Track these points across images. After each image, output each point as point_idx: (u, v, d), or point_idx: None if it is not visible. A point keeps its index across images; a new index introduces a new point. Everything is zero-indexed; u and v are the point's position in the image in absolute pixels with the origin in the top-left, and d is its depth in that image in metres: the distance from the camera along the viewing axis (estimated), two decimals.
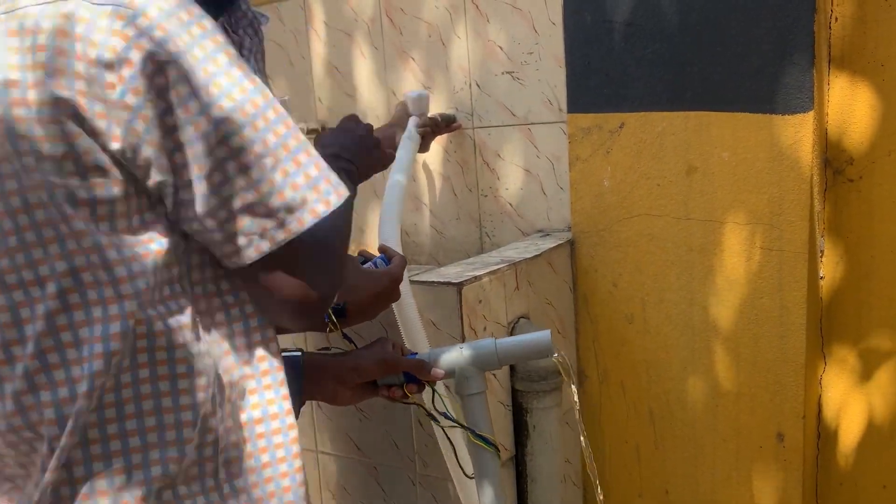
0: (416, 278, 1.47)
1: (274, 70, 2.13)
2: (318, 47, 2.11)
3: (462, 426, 1.13)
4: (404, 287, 1.36)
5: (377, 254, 1.27)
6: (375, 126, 1.88)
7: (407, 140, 1.68)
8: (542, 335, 1.12)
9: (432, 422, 1.18)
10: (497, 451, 1.13)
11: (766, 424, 1.59)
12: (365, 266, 1.21)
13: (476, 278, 1.45)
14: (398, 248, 1.42)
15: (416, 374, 1.11)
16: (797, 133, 1.47)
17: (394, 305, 1.40)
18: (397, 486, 1.60)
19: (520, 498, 1.59)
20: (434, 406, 1.16)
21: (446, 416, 1.14)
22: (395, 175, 1.59)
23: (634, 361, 1.72)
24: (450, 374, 1.13)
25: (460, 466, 1.29)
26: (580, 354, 1.80)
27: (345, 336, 1.22)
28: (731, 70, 1.50)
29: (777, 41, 1.45)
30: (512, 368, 1.55)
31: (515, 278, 1.56)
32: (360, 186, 2.14)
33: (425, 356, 1.14)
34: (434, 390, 1.14)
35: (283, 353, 1.02)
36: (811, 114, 1.45)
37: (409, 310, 1.39)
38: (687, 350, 1.65)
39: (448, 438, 1.30)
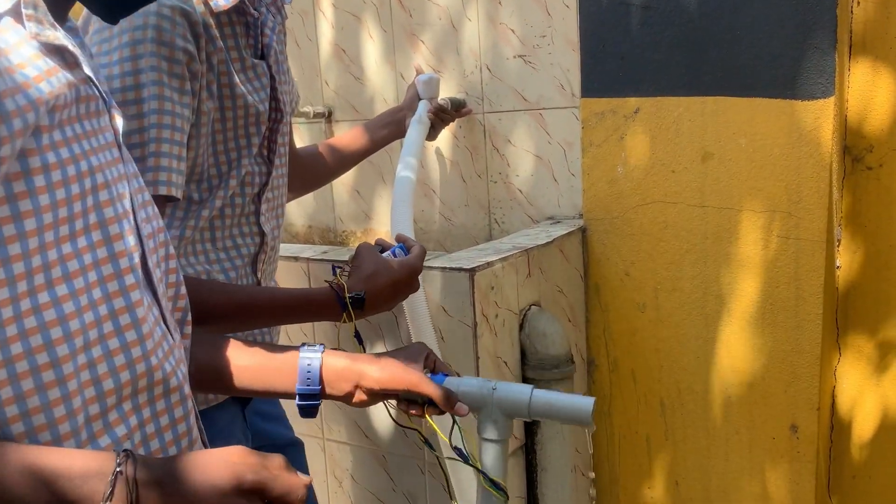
0: (426, 263, 1.44)
1: None
2: (326, 29, 2.07)
3: (475, 468, 1.03)
4: (419, 298, 1.34)
5: (394, 243, 1.23)
6: (384, 109, 1.86)
7: (416, 123, 1.65)
8: (585, 402, 0.98)
9: (428, 448, 1.11)
10: (506, 499, 1.03)
11: (779, 416, 1.57)
12: (383, 255, 1.17)
13: (488, 264, 1.42)
14: (412, 236, 1.39)
15: (440, 405, 1.00)
16: (817, 119, 1.44)
17: (407, 314, 1.38)
18: (405, 475, 1.58)
19: (529, 487, 1.57)
20: (450, 439, 1.04)
21: (460, 453, 1.02)
22: (404, 160, 1.56)
23: (646, 351, 1.70)
24: (473, 410, 1.02)
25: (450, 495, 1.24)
26: (590, 343, 1.78)
27: (356, 335, 1.19)
28: (751, 54, 1.48)
29: (799, 24, 1.42)
30: (523, 355, 1.52)
31: (528, 265, 1.53)
32: (366, 169, 2.12)
33: (454, 384, 1.02)
34: (455, 422, 1.02)
35: (303, 354, 0.99)
36: (832, 99, 1.42)
37: (419, 304, 1.36)
38: (700, 340, 1.63)
39: (442, 467, 1.24)
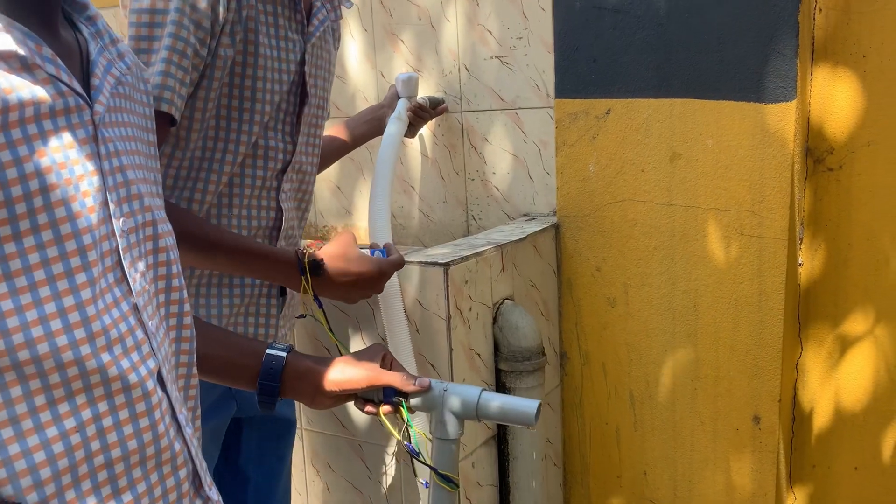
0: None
1: None
2: None
3: (426, 464, 1.08)
4: (393, 288, 1.39)
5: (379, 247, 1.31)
6: (364, 107, 1.90)
7: (395, 120, 1.70)
8: (529, 405, 1.03)
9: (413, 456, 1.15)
10: (457, 488, 1.08)
11: (743, 407, 1.63)
12: (362, 250, 1.24)
13: (463, 259, 1.47)
14: (389, 238, 1.45)
15: (402, 388, 1.06)
16: (780, 122, 1.49)
17: (381, 306, 1.42)
18: (381, 464, 1.62)
19: (501, 476, 1.62)
20: (406, 435, 1.10)
21: (412, 452, 1.08)
22: (382, 157, 1.60)
23: (616, 344, 1.75)
24: (426, 409, 1.08)
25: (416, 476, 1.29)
26: (563, 337, 1.83)
27: (315, 298, 1.23)
28: (716, 58, 1.53)
29: (762, 30, 1.47)
30: (496, 348, 1.57)
31: (501, 260, 1.58)
32: (347, 165, 2.15)
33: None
34: (408, 422, 1.07)
35: (269, 351, 1.03)
36: (794, 103, 1.48)
37: (393, 299, 1.41)
38: (667, 334, 1.69)
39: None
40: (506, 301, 1.60)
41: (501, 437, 1.60)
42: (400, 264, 1.27)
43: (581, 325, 1.79)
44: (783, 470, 1.68)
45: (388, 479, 1.62)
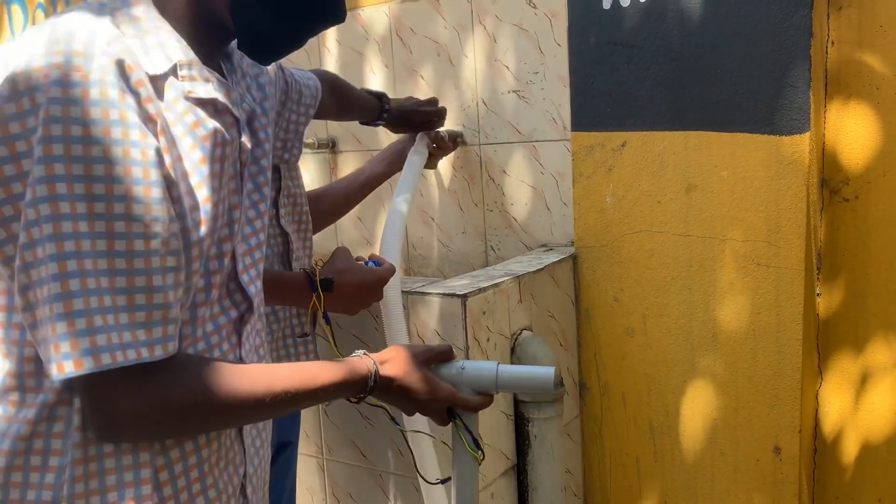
0: (421, 289, 1.51)
1: None
2: (331, 64, 2.16)
3: (460, 436, 1.09)
4: (394, 295, 1.43)
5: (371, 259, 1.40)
6: (387, 141, 1.94)
7: (414, 154, 1.74)
8: (545, 371, 1.08)
9: (394, 425, 1.21)
10: (483, 457, 1.12)
11: (763, 438, 1.63)
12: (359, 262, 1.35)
13: (481, 290, 1.49)
14: (398, 263, 1.50)
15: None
16: (794, 153, 1.51)
17: (383, 314, 1.46)
18: (402, 494, 1.63)
19: None
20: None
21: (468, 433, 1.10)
22: (400, 190, 1.64)
23: (635, 374, 1.76)
24: None
25: (422, 477, 1.34)
26: (582, 367, 1.84)
27: (324, 315, 1.30)
28: (731, 91, 1.55)
29: (775, 64, 1.50)
30: None
31: (519, 291, 1.60)
32: (369, 197, 2.20)
33: None
34: (460, 432, 1.10)
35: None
36: (808, 134, 1.49)
37: (396, 319, 1.44)
38: (686, 364, 1.69)
39: (408, 445, 1.35)
40: (524, 331, 1.62)
41: (521, 468, 1.61)
42: (393, 270, 1.39)
43: (600, 355, 1.80)
44: (805, 502, 1.66)
45: None
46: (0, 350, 0.82)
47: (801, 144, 1.50)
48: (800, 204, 1.52)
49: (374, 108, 1.67)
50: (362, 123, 1.72)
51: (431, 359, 1.08)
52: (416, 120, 1.77)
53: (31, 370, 0.80)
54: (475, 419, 1.11)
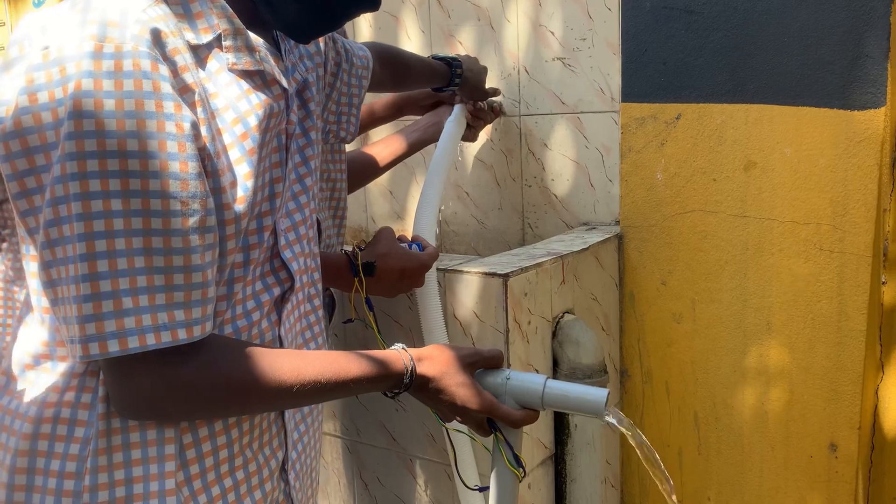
0: (459, 267, 1.42)
1: None
2: (364, 29, 2.06)
3: (500, 450, 1.00)
4: (430, 280, 1.35)
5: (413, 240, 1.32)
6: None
7: (451, 124, 1.63)
8: (598, 393, 0.97)
9: (437, 419, 1.09)
10: (524, 474, 1.02)
11: (818, 434, 1.53)
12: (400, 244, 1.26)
13: (522, 270, 1.40)
14: (433, 238, 1.44)
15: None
16: (867, 130, 1.39)
17: (418, 300, 1.37)
18: (432, 480, 1.56)
19: (558, 497, 1.54)
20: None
21: (492, 427, 1.00)
22: (435, 167, 1.54)
23: (681, 362, 1.66)
24: None
25: (461, 478, 1.28)
26: (624, 353, 1.74)
27: (367, 300, 1.24)
28: (798, 61, 1.43)
29: (849, 32, 1.38)
30: (555, 364, 1.50)
31: (562, 272, 1.51)
32: (400, 169, 2.11)
33: None
34: (499, 445, 1.01)
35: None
36: (882, 110, 1.38)
37: (432, 306, 1.36)
38: (737, 353, 1.59)
39: (450, 441, 1.25)
40: (566, 315, 1.52)
41: (559, 458, 1.53)
42: (436, 256, 1.31)
43: (644, 341, 1.71)
44: (861, 502, 1.57)
45: (439, 496, 1.55)
46: (35, 318, 0.81)
47: (875, 120, 1.38)
48: (871, 185, 1.41)
49: (443, 74, 1.56)
50: (434, 91, 1.62)
51: (476, 363, 0.98)
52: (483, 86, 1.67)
53: (61, 339, 0.80)
54: (518, 434, 1.00)
